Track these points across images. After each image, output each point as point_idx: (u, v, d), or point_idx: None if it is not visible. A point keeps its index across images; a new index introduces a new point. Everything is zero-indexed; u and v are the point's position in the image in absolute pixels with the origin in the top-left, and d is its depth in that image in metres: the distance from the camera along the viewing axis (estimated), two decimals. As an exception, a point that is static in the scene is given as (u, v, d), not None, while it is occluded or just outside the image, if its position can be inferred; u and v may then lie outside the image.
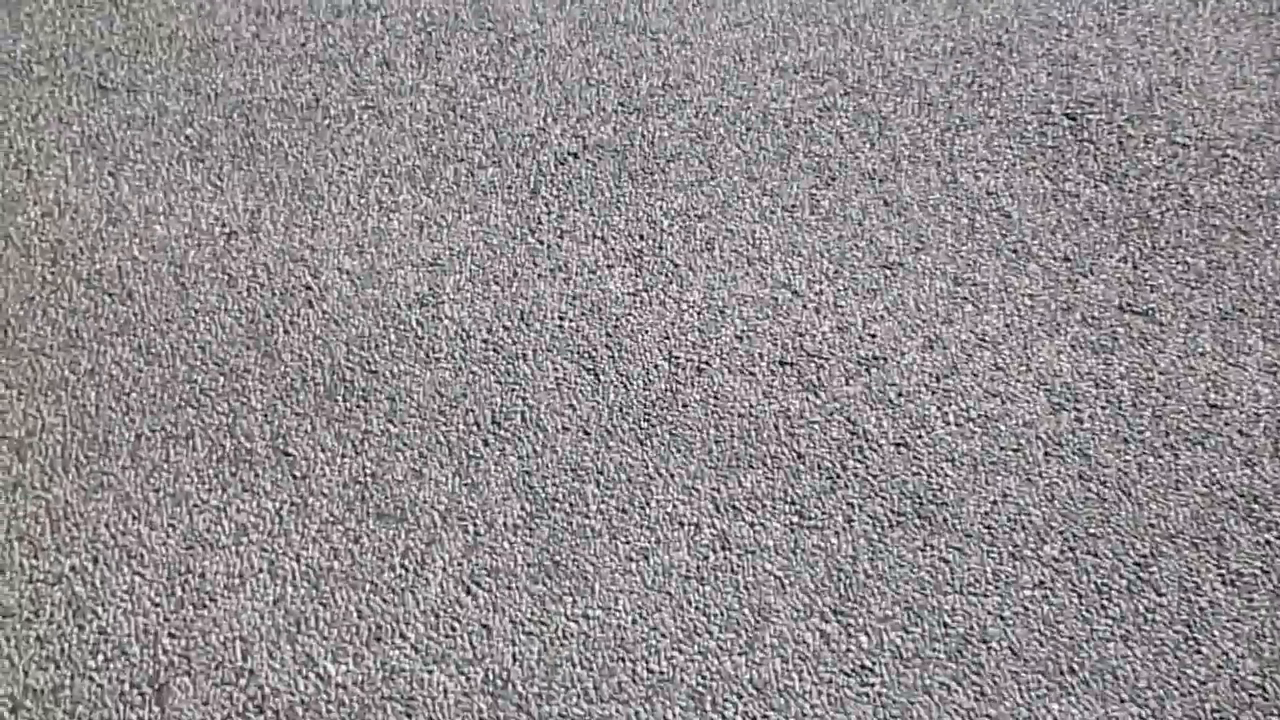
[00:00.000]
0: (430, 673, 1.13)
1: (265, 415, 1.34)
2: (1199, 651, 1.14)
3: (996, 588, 1.19)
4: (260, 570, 1.21)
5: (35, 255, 1.52)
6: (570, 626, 1.16)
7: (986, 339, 1.42)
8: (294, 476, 1.29)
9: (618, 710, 1.10)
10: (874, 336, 1.42)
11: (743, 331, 1.43)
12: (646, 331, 1.43)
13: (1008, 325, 1.44)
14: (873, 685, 1.11)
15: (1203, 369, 1.39)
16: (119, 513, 1.26)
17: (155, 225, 1.56)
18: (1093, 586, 1.19)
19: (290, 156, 1.65)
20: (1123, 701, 1.11)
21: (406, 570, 1.20)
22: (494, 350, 1.41)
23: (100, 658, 1.15)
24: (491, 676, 1.12)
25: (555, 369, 1.39)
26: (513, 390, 1.37)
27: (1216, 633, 1.16)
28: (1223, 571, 1.20)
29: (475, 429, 1.33)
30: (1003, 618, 1.17)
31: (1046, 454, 1.30)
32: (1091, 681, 1.12)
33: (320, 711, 1.11)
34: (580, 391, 1.36)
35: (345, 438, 1.32)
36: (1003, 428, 1.33)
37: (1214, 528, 1.24)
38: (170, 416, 1.34)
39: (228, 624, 1.17)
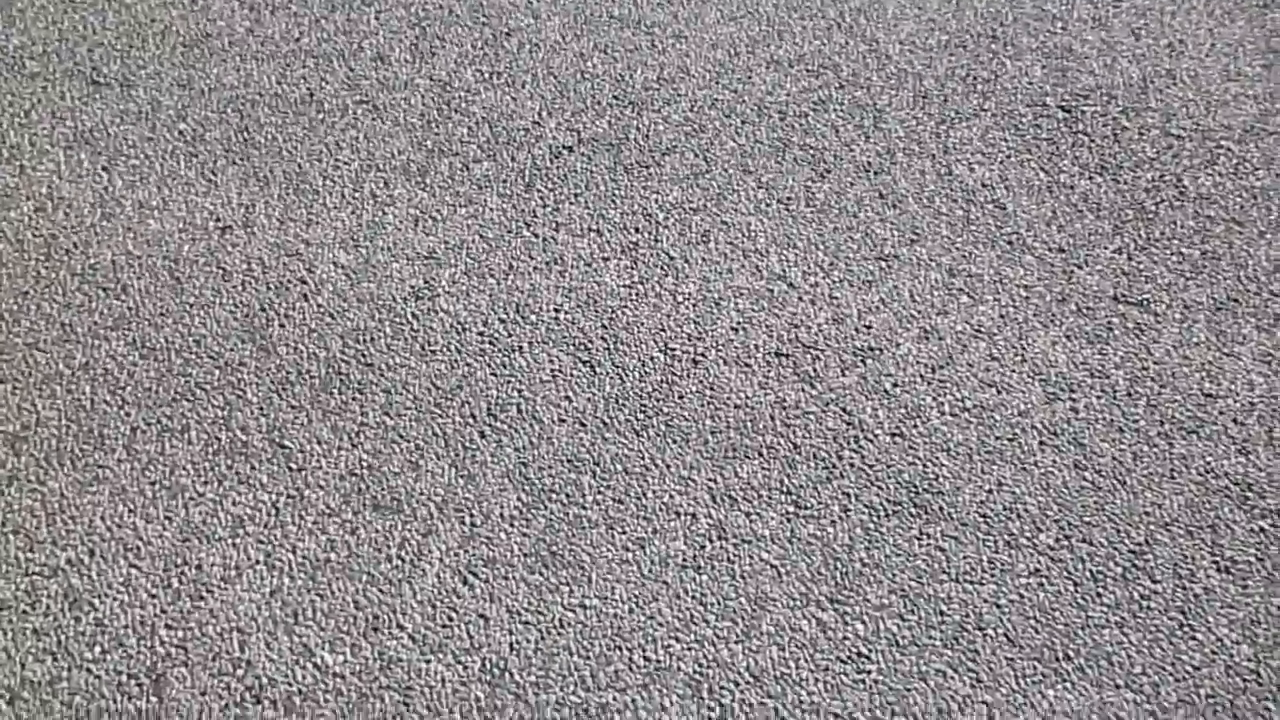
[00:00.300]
0: (427, 662, 1.14)
1: (261, 408, 1.36)
2: (1194, 637, 1.16)
3: (992, 575, 1.21)
4: (257, 561, 1.22)
5: (29, 250, 1.54)
6: (567, 616, 1.17)
7: (982, 330, 1.44)
8: (290, 469, 1.30)
9: (615, 698, 1.11)
10: (869, 328, 1.44)
11: (738, 323, 1.44)
12: (642, 324, 1.45)
13: (1003, 316, 1.46)
14: (869, 672, 1.13)
15: (1197, 359, 1.41)
16: (115, 506, 1.27)
17: (149, 220, 1.57)
18: (1088, 574, 1.21)
19: (284, 151, 1.66)
20: (1118, 687, 1.13)
21: (403, 561, 1.22)
22: (490, 343, 1.43)
23: (97, 649, 1.16)
24: (488, 665, 1.14)
25: (551, 361, 1.40)
26: (508, 382, 1.38)
27: (1211, 619, 1.18)
28: (1217, 559, 1.22)
29: (471, 421, 1.34)
30: (999, 605, 1.18)
31: (1042, 443, 1.32)
32: (1087, 668, 1.14)
33: (318, 700, 1.12)
34: (576, 383, 1.38)
35: (341, 430, 1.34)
36: (998, 417, 1.35)
37: (1209, 515, 1.26)
38: (165, 410, 1.36)
39: (224, 615, 1.18)
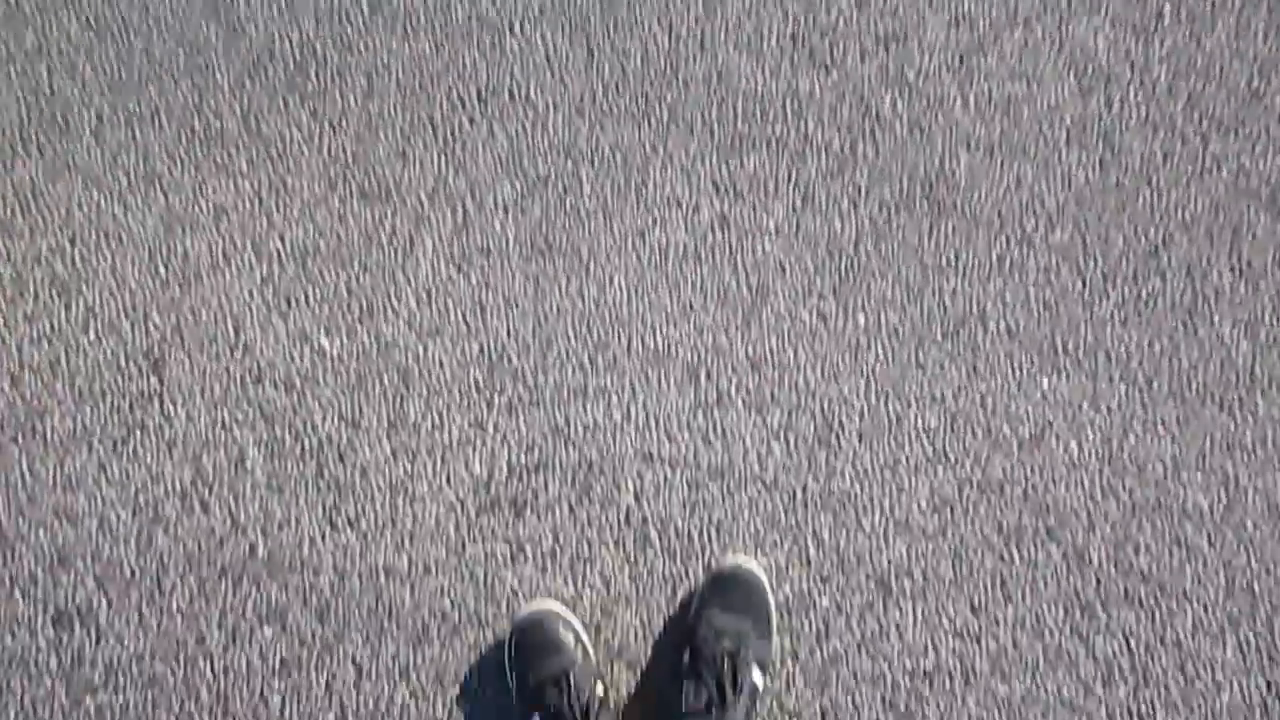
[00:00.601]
0: (425, 347, 1.22)
1: (233, 93, 1.35)
2: (1195, 334, 1.23)
3: (1000, 272, 1.26)
4: (244, 250, 1.27)
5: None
6: (564, 304, 1.23)
7: (1018, 17, 1.40)
8: (270, 156, 1.31)
9: (613, 381, 1.20)
10: (895, 12, 1.39)
11: (751, 4, 1.40)
12: (644, 2, 1.40)
13: (1043, 2, 1.41)
14: (867, 361, 1.21)
15: (1251, 52, 1.38)
16: (90, 194, 1.30)
17: (86, -120, 1.48)
18: (1099, 272, 1.26)
19: None
20: (1112, 380, 1.21)
21: (395, 250, 1.26)
22: (477, 21, 1.39)
23: (92, 333, 1.23)
24: (486, 350, 1.22)
25: (545, 43, 1.38)
26: (499, 65, 1.36)
27: (1216, 317, 1.24)
28: (1233, 260, 1.27)
29: (460, 106, 1.34)
30: (1004, 300, 1.24)
31: (1069, 139, 1.33)
32: (1084, 361, 1.22)
33: (318, 381, 1.21)
34: (572, 67, 1.36)
35: (321, 116, 1.33)
36: (1026, 111, 1.34)
37: (1232, 217, 1.29)
38: (131, 95, 1.35)
39: (216, 301, 1.24)
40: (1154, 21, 1.40)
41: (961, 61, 1.37)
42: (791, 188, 1.29)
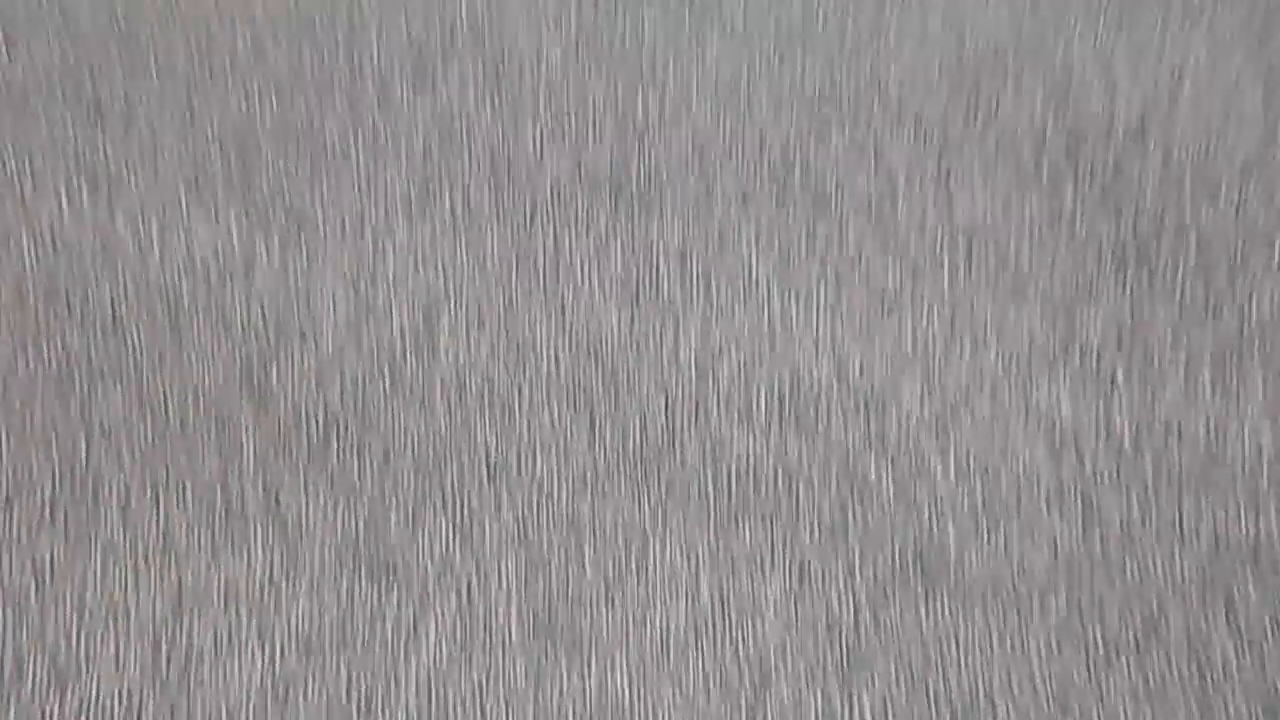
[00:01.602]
0: (423, 746, 0.99)
1: (257, 467, 1.19)
2: (1209, 708, 1.01)
3: (1002, 649, 1.05)
4: (248, 632, 1.06)
5: (29, 292, 1.35)
6: (567, 688, 1.01)
7: (985, 379, 1.27)
8: (285, 533, 1.13)
9: (615, 789, 0.96)
10: (872, 379, 1.26)
11: (739, 373, 1.27)
12: (643, 372, 1.27)
13: (1006, 365, 1.28)
14: (877, 757, 0.98)
15: (1204, 411, 1.24)
16: (107, 568, 1.11)
17: (150, 259, 1.39)
18: (1099, 645, 1.05)
19: (285, 187, 1.47)
20: (1131, 769, 0.97)
21: (397, 637, 1.06)
22: (489, 392, 1.25)
23: (86, 727, 1.01)
24: (485, 751, 0.99)
25: (551, 415, 1.23)
26: (508, 438, 1.21)
27: (1228, 691, 1.02)
28: (1231, 628, 1.06)
29: (470, 480, 1.17)
30: (1009, 677, 1.02)
31: (1048, 503, 1.16)
32: (1100, 748, 0.99)
33: (309, 791, 0.97)
34: (577, 439, 1.21)
35: (338, 490, 1.17)
36: (1003, 475, 1.18)
37: (1222, 581, 1.10)
38: (161, 468, 1.19)
39: (214, 692, 1.02)
40: (1109, 383, 1.27)
41: (936, 424, 1.22)
42: (788, 561, 1.10)
